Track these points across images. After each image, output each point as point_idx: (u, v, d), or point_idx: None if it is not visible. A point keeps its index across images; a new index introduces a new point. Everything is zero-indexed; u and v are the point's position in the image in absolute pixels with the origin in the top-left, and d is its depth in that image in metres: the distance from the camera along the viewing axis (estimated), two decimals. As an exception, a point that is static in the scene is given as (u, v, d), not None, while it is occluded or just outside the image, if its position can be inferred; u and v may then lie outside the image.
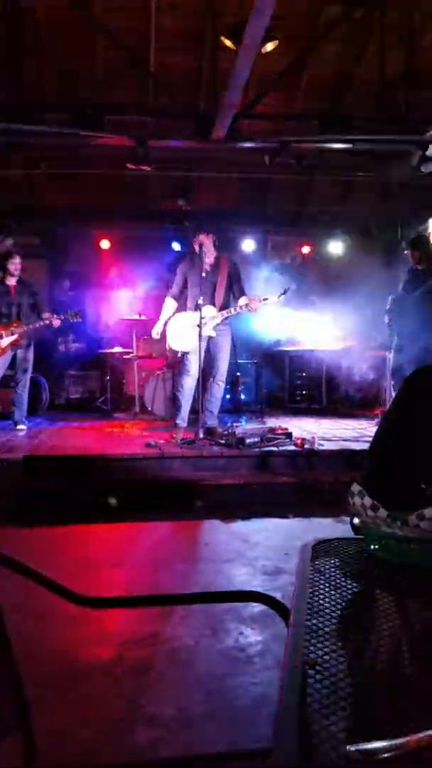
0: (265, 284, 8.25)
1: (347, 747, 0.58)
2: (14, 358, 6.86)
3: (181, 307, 6.32)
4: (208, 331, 5.91)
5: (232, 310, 6.07)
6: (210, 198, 9.66)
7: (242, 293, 6.18)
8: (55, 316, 6.80)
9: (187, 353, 6.10)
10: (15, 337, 6.69)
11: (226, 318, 6.09)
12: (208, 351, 6.03)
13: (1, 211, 9.06)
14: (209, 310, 5.94)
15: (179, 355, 6.48)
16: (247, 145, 6.72)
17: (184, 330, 6.05)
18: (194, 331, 5.92)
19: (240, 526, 4.60)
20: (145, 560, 3.90)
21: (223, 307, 6.08)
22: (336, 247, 10.05)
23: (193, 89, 7.62)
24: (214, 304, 5.99)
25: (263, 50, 6.23)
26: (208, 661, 2.55)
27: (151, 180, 9.03)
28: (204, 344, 5.88)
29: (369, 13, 6.86)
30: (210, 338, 5.99)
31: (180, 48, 7.39)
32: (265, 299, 6.10)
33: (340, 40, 7.23)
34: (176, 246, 9.49)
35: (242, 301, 6.05)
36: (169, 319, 6.27)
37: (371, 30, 7.02)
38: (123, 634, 2.77)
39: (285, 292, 6.14)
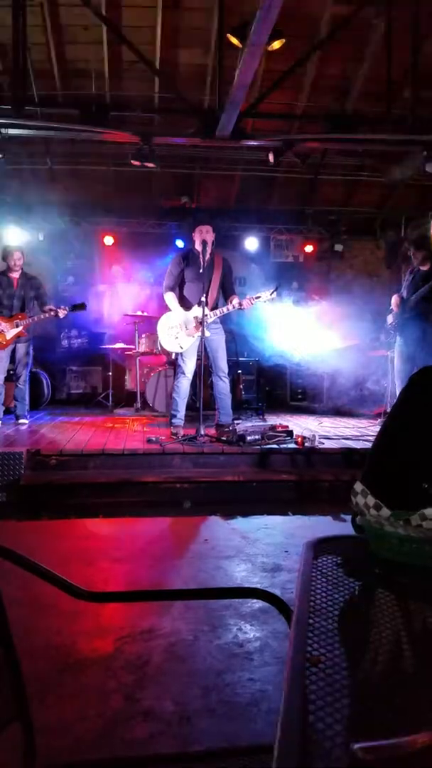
0: (267, 283, 8.24)
1: (351, 745, 0.58)
2: (14, 353, 6.86)
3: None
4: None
5: (225, 309, 6.04)
6: (214, 195, 9.66)
7: (233, 293, 6.16)
8: (62, 307, 6.81)
9: (180, 354, 6.07)
10: (20, 329, 6.71)
11: (219, 316, 6.07)
12: (205, 351, 6.00)
13: (6, 206, 9.06)
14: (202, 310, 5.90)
15: (173, 356, 6.44)
16: (252, 143, 6.72)
17: (176, 330, 6.02)
18: (186, 331, 5.93)
19: (240, 522, 4.60)
20: (144, 555, 3.90)
21: (215, 305, 6.06)
22: (339, 246, 10.03)
23: (198, 87, 7.62)
24: (207, 303, 5.93)
25: (269, 48, 6.23)
26: (206, 656, 2.55)
27: (155, 177, 9.03)
28: (200, 345, 5.87)
29: (375, 13, 6.85)
30: (205, 338, 5.93)
31: (186, 45, 7.39)
32: (257, 297, 6.08)
33: (346, 39, 7.22)
34: (179, 243, 9.48)
35: (235, 300, 6.03)
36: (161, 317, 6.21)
37: (377, 29, 7.02)
38: (121, 628, 2.78)
39: (276, 289, 6.12)
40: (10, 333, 6.66)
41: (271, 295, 6.08)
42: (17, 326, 6.69)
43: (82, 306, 6.93)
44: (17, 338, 6.74)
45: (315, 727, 0.62)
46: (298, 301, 8.40)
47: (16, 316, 6.73)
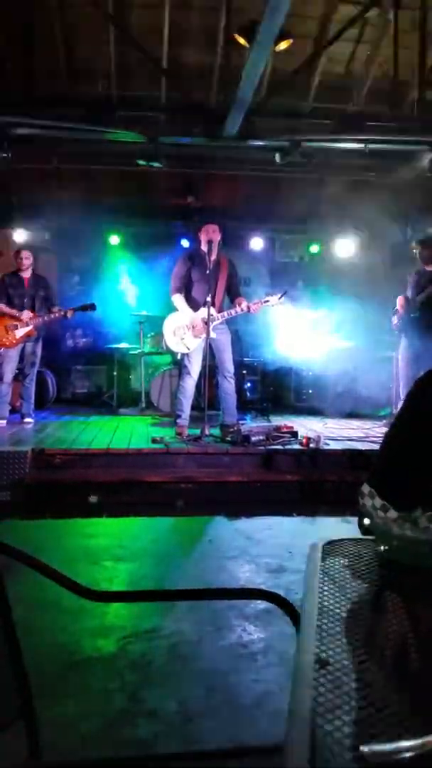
0: (272, 283, 8.23)
1: (361, 747, 0.57)
2: (23, 351, 6.88)
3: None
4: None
5: (233, 311, 6.02)
6: (219, 195, 9.65)
7: (238, 294, 6.16)
8: (70, 308, 6.85)
9: (186, 354, 6.06)
10: (30, 328, 6.73)
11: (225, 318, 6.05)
12: (211, 352, 5.98)
13: (12, 206, 9.07)
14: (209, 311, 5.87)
15: (179, 356, 6.43)
16: (258, 143, 6.72)
17: (182, 331, 6.00)
18: (192, 332, 5.92)
19: (244, 523, 4.60)
20: (148, 554, 3.91)
21: (221, 307, 6.05)
22: (345, 246, 10.00)
23: (205, 86, 7.61)
24: (213, 304, 5.91)
25: (276, 48, 6.23)
26: (210, 656, 2.55)
27: (161, 176, 9.03)
28: (205, 345, 5.86)
29: (382, 13, 6.84)
30: (211, 339, 5.91)
31: (193, 45, 7.38)
32: (265, 301, 6.07)
33: (353, 39, 7.21)
34: (185, 243, 9.47)
35: (243, 303, 6.02)
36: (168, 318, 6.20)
37: (385, 30, 7.00)
38: (125, 627, 2.78)
39: (285, 294, 6.11)
40: (21, 332, 6.68)
41: (279, 299, 6.08)
42: (27, 325, 6.71)
43: (91, 306, 6.95)
44: (27, 337, 6.76)
45: (323, 729, 0.62)
46: (303, 301, 8.38)
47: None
